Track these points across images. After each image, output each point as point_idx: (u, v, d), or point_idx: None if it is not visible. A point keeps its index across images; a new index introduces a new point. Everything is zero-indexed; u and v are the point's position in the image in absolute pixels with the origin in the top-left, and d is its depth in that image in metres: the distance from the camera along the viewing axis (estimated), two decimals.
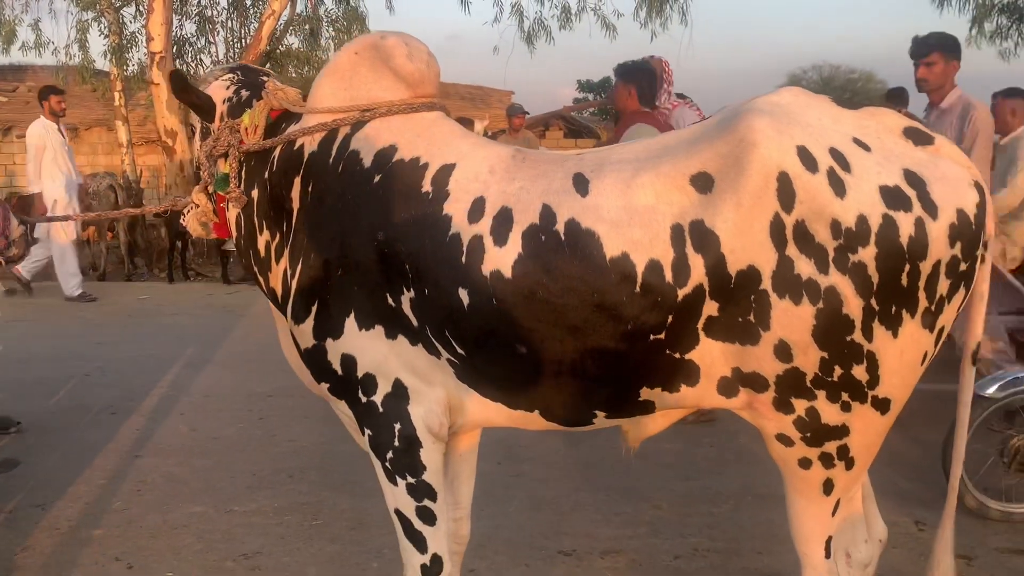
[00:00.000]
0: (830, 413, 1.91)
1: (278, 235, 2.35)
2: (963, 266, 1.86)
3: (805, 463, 1.99)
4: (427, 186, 2.10)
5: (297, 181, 2.29)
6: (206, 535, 3.53)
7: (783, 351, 1.86)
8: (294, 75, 12.51)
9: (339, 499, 3.85)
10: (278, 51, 13.01)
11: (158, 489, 4.03)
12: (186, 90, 2.46)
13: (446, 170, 2.11)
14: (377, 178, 2.15)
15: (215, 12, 13.30)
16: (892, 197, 1.79)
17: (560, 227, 1.96)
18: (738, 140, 1.86)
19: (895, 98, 7.89)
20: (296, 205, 2.29)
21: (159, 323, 7.94)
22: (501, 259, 1.99)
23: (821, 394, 1.89)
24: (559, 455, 4.40)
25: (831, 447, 1.96)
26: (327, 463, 4.29)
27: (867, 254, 1.78)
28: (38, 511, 3.77)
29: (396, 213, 2.10)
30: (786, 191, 1.80)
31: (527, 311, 1.97)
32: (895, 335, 1.84)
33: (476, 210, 2.04)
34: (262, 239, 2.39)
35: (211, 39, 13.56)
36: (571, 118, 20.08)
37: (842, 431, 1.94)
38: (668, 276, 1.88)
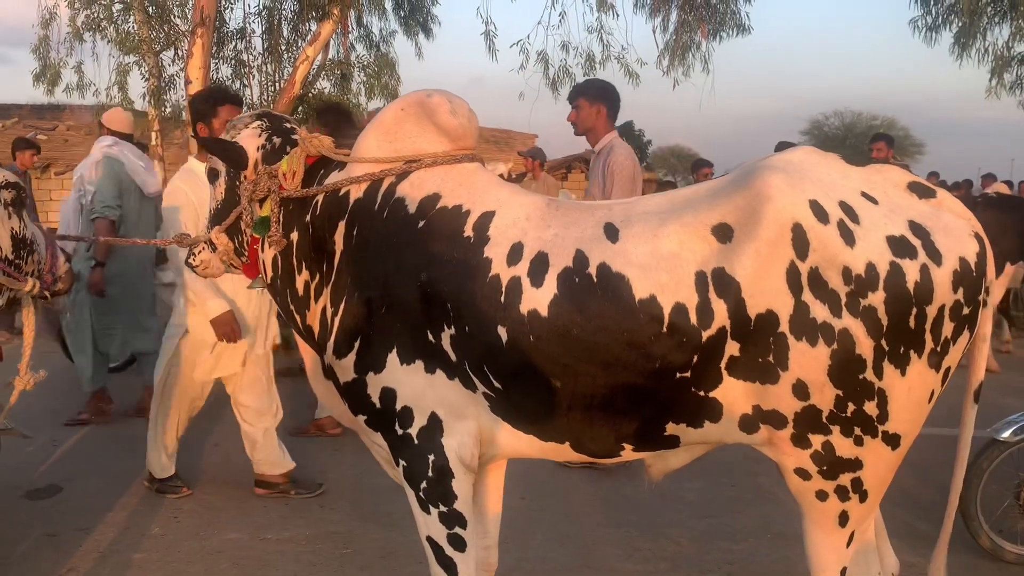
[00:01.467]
0: (844, 447, 2.05)
1: (318, 275, 2.47)
2: (966, 310, 2.01)
3: (822, 495, 2.12)
4: (469, 231, 2.25)
5: (342, 225, 2.41)
6: (241, 561, 3.67)
7: (801, 390, 2.01)
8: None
9: (369, 529, 3.98)
10: (310, 95, 13.36)
11: (194, 516, 4.17)
12: (221, 146, 2.55)
13: (486, 217, 2.26)
14: (421, 223, 2.29)
15: (251, 57, 13.70)
16: (899, 246, 1.96)
17: (592, 270, 2.11)
18: (755, 194, 2.03)
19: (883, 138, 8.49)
20: (340, 247, 2.41)
21: None
22: (538, 299, 2.14)
23: (836, 429, 2.04)
24: (581, 491, 4.51)
25: (846, 480, 2.09)
26: (357, 494, 4.42)
27: (877, 298, 1.94)
28: (81, 534, 3.92)
29: (439, 256, 2.24)
30: (800, 240, 1.97)
31: (562, 348, 2.12)
32: (903, 373, 1.99)
33: (515, 254, 2.19)
34: (301, 279, 2.50)
35: (246, 82, 13.96)
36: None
37: (855, 464, 2.08)
38: (693, 318, 2.03)
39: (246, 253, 2.61)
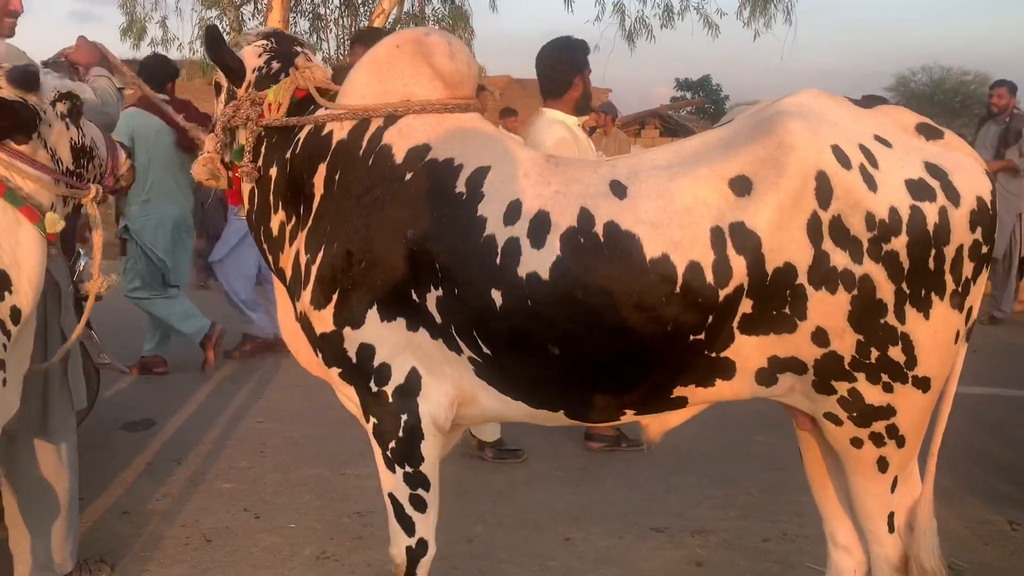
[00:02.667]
0: (873, 394, 2.00)
1: (294, 218, 2.32)
2: (984, 248, 1.99)
3: (857, 443, 2.08)
4: (461, 187, 2.10)
5: (323, 168, 2.25)
6: (323, 494, 3.84)
7: (820, 337, 1.96)
8: None
9: (443, 466, 4.08)
10: None
11: (279, 452, 4.38)
12: (220, 50, 2.41)
13: (480, 172, 2.10)
14: (408, 175, 2.14)
15: (328, 10, 13.85)
16: (918, 188, 1.92)
17: (599, 229, 1.98)
18: (776, 143, 1.93)
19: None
20: (320, 191, 2.26)
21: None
22: (539, 261, 2.00)
23: (861, 376, 1.99)
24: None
25: (879, 427, 2.04)
26: None
27: (899, 243, 1.90)
28: (174, 465, 4.16)
29: (427, 212, 2.10)
30: (824, 189, 1.90)
31: (564, 313, 1.99)
32: (927, 317, 1.95)
33: (512, 212, 2.04)
34: (276, 218, 2.36)
35: (323, 36, 14.13)
36: (667, 116, 19.96)
37: (888, 411, 2.03)
38: (709, 277, 1.93)
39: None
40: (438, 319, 2.11)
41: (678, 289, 1.93)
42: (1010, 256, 8.01)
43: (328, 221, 2.22)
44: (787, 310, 1.94)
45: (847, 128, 1.95)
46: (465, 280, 2.06)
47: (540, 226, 2.01)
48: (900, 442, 2.06)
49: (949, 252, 1.93)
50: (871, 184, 1.89)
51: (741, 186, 1.94)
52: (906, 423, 2.05)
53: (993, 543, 3.46)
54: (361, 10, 13.83)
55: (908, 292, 1.92)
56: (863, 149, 1.92)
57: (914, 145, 1.97)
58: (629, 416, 2.17)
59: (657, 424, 2.27)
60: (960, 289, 1.97)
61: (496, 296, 2.03)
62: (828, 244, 1.90)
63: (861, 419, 2.03)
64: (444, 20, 13.63)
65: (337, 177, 2.23)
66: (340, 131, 2.25)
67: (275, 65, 2.42)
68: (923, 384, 2.01)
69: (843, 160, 1.90)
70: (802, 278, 1.91)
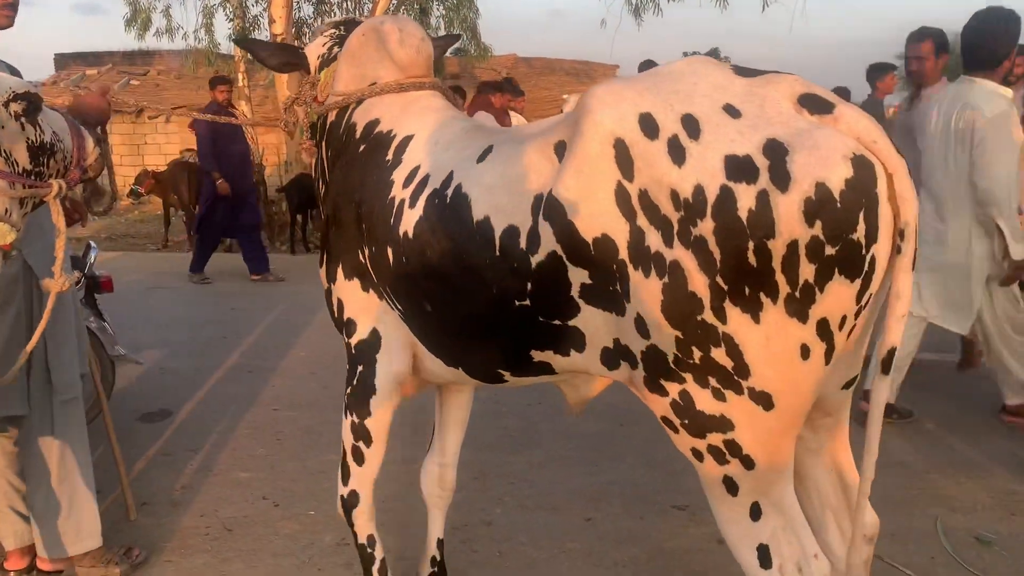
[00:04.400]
0: (703, 400, 1.74)
1: (324, 189, 2.62)
2: (829, 249, 1.57)
3: (697, 454, 1.82)
4: (390, 154, 2.28)
5: (324, 145, 2.59)
6: None
7: (641, 326, 1.75)
8: None
9: (462, 451, 4.08)
10: None
11: (296, 440, 4.37)
12: (263, 52, 2.64)
13: (405, 141, 2.28)
14: (361, 147, 2.38)
15: None
16: (737, 167, 1.59)
17: (449, 191, 2.03)
18: (580, 106, 1.80)
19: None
20: (325, 166, 2.58)
21: (286, 291, 8.40)
22: (409, 220, 2.10)
23: (688, 377, 1.74)
24: None
25: (716, 440, 1.77)
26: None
27: (706, 227, 1.61)
28: (192, 455, 4.16)
29: (367, 178, 2.30)
30: (623, 158, 1.70)
31: (423, 270, 2.08)
32: (755, 320, 1.64)
33: (410, 177, 2.17)
34: (320, 188, 2.66)
35: (326, 20, 14.04)
36: None
37: (723, 423, 1.74)
38: (522, 242, 1.87)
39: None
40: (375, 278, 2.28)
41: (497, 252, 1.91)
42: None
43: (326, 192, 2.55)
44: (618, 287, 1.76)
45: (686, 96, 1.68)
46: (375, 239, 2.22)
47: (419, 189, 2.12)
48: (747, 463, 1.76)
49: (776, 247, 1.57)
50: (677, 157, 1.63)
51: (561, 152, 1.84)
52: (751, 442, 1.74)
53: (1020, 513, 3.42)
54: None
55: (726, 288, 1.62)
56: (687, 119, 1.65)
57: (775, 119, 1.62)
58: (510, 378, 2.16)
59: (572, 393, 2.31)
60: (799, 295, 1.60)
61: (389, 254, 2.17)
62: (643, 221, 1.68)
63: (694, 428, 1.77)
64: (448, 0, 13.51)
65: (330, 154, 2.55)
66: (331, 114, 2.56)
67: (335, 50, 2.62)
68: (763, 400, 1.69)
69: (648, 129, 1.66)
70: (623, 254, 1.72)
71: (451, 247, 2.00)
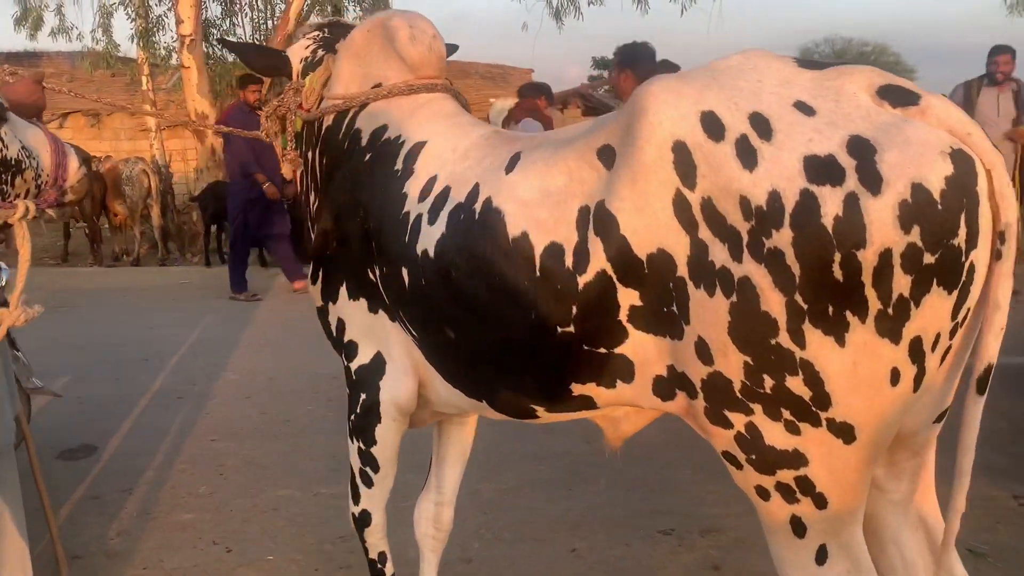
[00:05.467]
0: (775, 435, 1.56)
1: (317, 201, 2.41)
2: (928, 258, 1.40)
3: (763, 493, 1.63)
4: (399, 164, 2.10)
5: (318, 153, 2.37)
6: (298, 519, 3.52)
7: (703, 350, 1.57)
8: None
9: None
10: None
11: (240, 473, 4.01)
12: (248, 55, 2.54)
13: (417, 149, 2.09)
14: (367, 156, 2.19)
15: None
16: (819, 168, 1.41)
17: (478, 205, 1.84)
18: (633, 107, 1.62)
19: None
20: (320, 175, 2.38)
21: (206, 306, 7.93)
22: (430, 238, 1.92)
23: (757, 408, 1.56)
24: (642, 434, 4.35)
25: (787, 476, 1.58)
26: (407, 444, 4.24)
27: (782, 238, 1.43)
28: (124, 495, 3.77)
29: (374, 191, 2.13)
30: (684, 163, 1.52)
31: (447, 293, 1.89)
32: (841, 343, 1.45)
33: (426, 189, 2.00)
34: (311, 200, 2.46)
35: (236, 21, 13.49)
36: (589, 96, 19.93)
37: (796, 459, 1.56)
38: (568, 261, 1.68)
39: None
40: (387, 299, 2.11)
41: (538, 273, 1.71)
42: None
43: (321, 203, 2.33)
44: (674, 308, 1.58)
45: (753, 93, 1.52)
46: (387, 257, 2.05)
47: (439, 203, 1.94)
48: (819, 502, 1.58)
49: (866, 257, 1.39)
50: (748, 160, 1.45)
51: (608, 157, 1.66)
52: (826, 478, 1.57)
53: (1004, 521, 3.38)
54: None
55: (805, 307, 1.44)
56: (755, 118, 1.47)
57: (855, 114, 1.45)
58: (543, 413, 1.94)
59: (611, 429, 2.05)
60: (891, 311, 1.42)
61: (404, 274, 1.99)
62: (705, 233, 1.50)
63: (762, 464, 1.59)
64: (364, 2, 13.17)
65: (325, 162, 2.34)
66: (328, 119, 2.34)
67: (320, 54, 2.44)
68: (844, 432, 1.51)
69: (713, 130, 1.49)
70: (682, 271, 1.55)
71: (482, 268, 1.80)
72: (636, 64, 4.52)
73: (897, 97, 1.47)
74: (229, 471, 4.04)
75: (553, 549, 3.23)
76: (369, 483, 2.34)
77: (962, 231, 1.41)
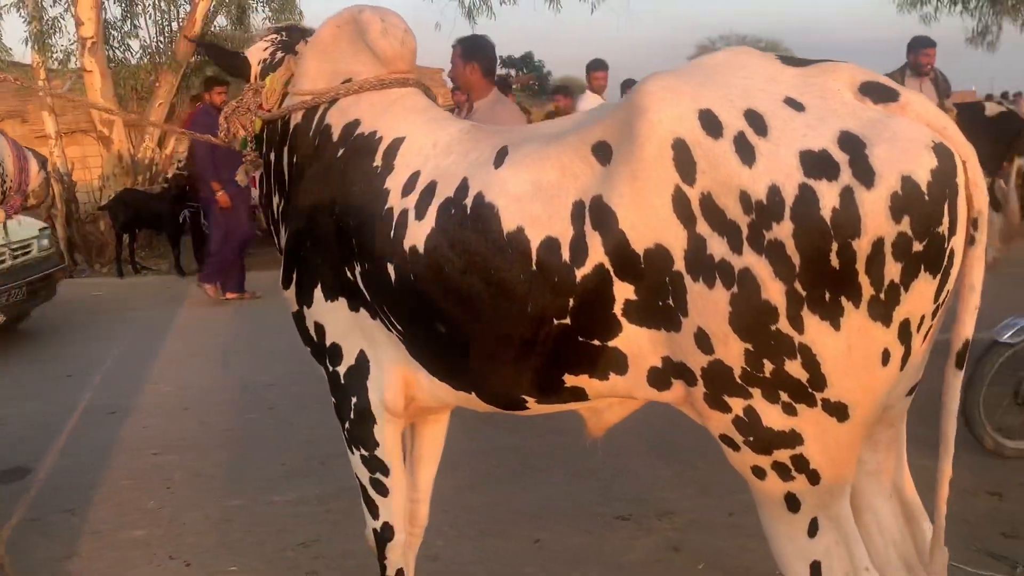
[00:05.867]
0: (772, 416, 1.64)
1: (283, 202, 2.38)
2: (917, 246, 1.51)
3: (759, 472, 1.71)
4: (378, 160, 2.09)
5: (286, 151, 2.34)
6: (255, 527, 3.47)
7: (703, 341, 1.63)
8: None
9: None
10: (210, 33, 12.57)
11: (188, 486, 3.93)
12: (218, 55, 2.59)
13: (395, 144, 2.09)
14: (340, 152, 2.17)
15: None
16: (815, 163, 1.50)
17: (468, 200, 1.86)
18: (631, 106, 1.67)
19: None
20: (287, 174, 2.34)
21: (125, 318, 7.67)
22: (418, 233, 1.92)
23: (756, 392, 1.64)
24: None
25: (783, 456, 1.67)
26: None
27: (783, 230, 1.51)
28: (67, 516, 3.64)
29: (351, 187, 2.10)
30: (684, 160, 1.58)
31: (436, 288, 1.91)
32: (836, 327, 1.54)
33: (410, 184, 2.00)
34: (275, 202, 2.42)
35: (137, 23, 13.03)
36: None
37: (792, 438, 1.65)
38: (565, 255, 1.73)
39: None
40: (368, 297, 2.08)
41: (534, 267, 1.77)
42: None
43: (291, 203, 2.29)
44: (671, 302, 1.65)
45: (744, 91, 1.59)
46: (370, 254, 2.03)
47: (426, 197, 1.95)
48: (813, 478, 1.68)
49: (861, 246, 1.49)
50: (747, 156, 1.53)
51: (603, 153, 1.71)
52: (820, 455, 1.66)
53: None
54: None
55: (804, 294, 1.53)
56: (751, 115, 1.55)
57: (842, 110, 1.54)
58: (533, 404, 1.98)
59: (594, 418, 2.14)
60: (883, 296, 1.52)
61: (391, 270, 1.98)
62: (703, 227, 1.57)
63: (759, 445, 1.67)
64: (273, 2, 12.91)
65: (295, 160, 2.29)
66: (296, 116, 2.30)
67: (279, 55, 2.45)
68: (838, 411, 1.61)
69: (711, 127, 1.56)
70: (679, 265, 1.61)
71: (476, 262, 1.83)
72: (481, 56, 4.57)
73: (878, 94, 1.57)
74: (176, 484, 3.95)
75: (517, 542, 3.28)
76: (383, 491, 2.26)
77: (945, 220, 1.53)
